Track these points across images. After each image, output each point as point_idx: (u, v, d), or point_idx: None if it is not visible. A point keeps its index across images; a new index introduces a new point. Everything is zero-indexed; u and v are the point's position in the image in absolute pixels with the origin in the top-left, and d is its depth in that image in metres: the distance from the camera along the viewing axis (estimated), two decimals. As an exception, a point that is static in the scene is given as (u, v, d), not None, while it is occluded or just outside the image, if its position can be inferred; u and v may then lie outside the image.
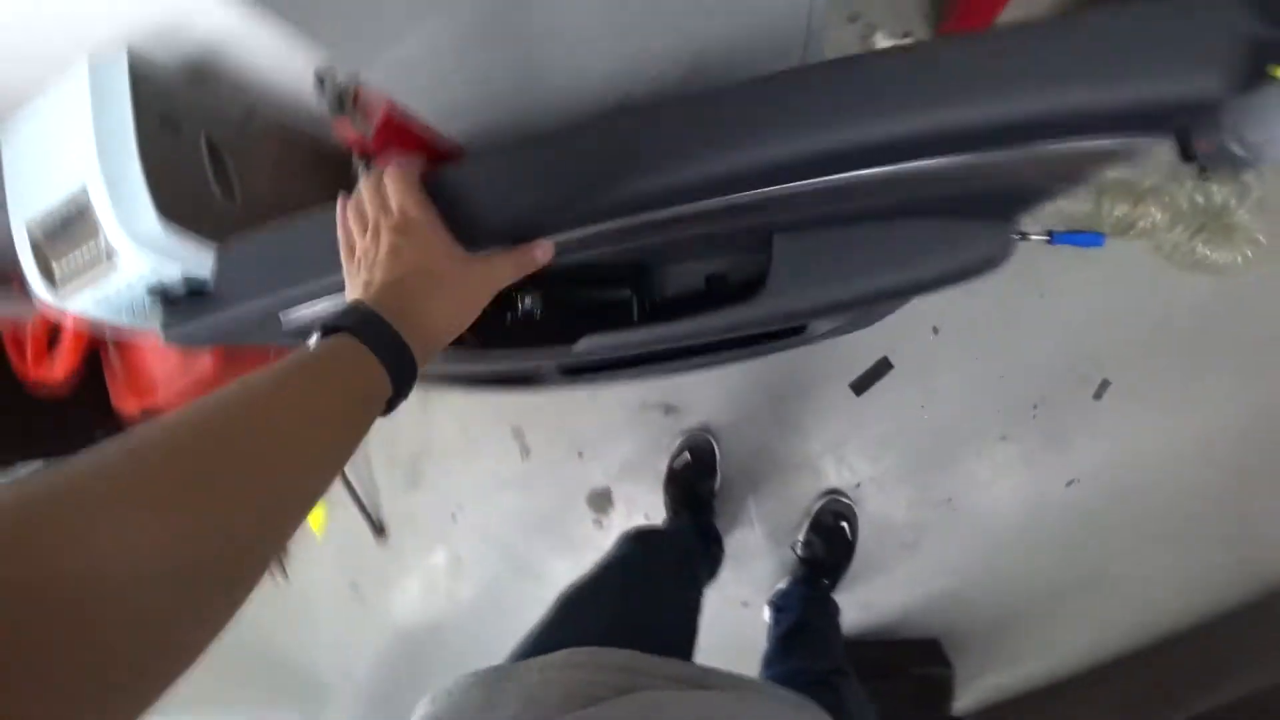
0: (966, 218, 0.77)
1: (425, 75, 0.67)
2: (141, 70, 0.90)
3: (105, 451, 0.31)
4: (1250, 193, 1.38)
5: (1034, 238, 1.46)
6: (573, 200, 0.62)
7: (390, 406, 0.49)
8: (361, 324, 0.47)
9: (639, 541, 1.13)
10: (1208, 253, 1.40)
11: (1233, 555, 1.42)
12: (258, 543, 0.35)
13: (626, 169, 0.60)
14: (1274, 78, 1.19)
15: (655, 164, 0.59)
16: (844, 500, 1.56)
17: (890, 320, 1.38)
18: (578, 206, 0.63)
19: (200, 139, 0.98)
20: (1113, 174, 1.45)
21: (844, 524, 1.54)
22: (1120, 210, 1.41)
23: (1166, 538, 1.46)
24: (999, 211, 0.79)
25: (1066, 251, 1.47)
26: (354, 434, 0.44)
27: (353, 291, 0.55)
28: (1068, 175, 0.67)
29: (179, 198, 0.90)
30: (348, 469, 2.09)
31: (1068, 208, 1.45)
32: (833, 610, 1.43)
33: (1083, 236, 1.44)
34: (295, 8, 0.53)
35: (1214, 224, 1.41)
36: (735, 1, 0.69)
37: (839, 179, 0.60)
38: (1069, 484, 1.53)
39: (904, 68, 0.53)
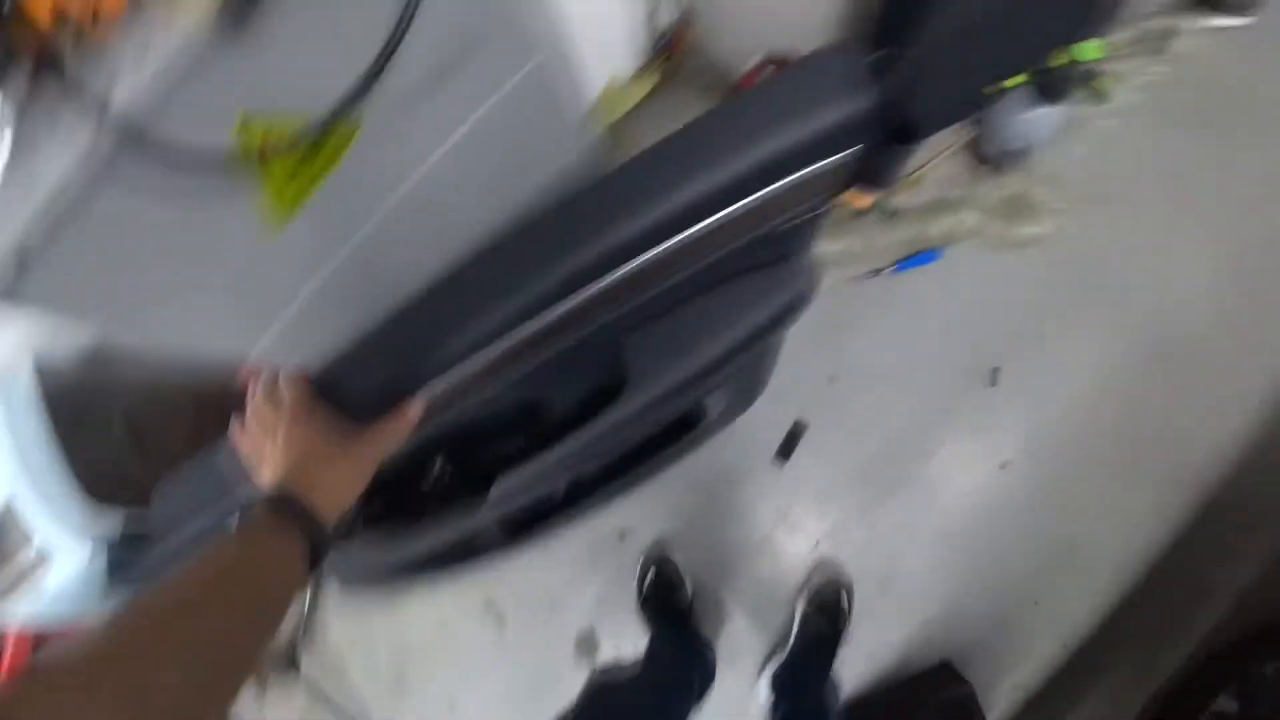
0: (768, 266, 0.90)
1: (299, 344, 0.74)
2: (47, 373, 0.91)
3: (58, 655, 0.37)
4: (1036, 172, 1.56)
5: (885, 272, 1.58)
6: (416, 359, 0.71)
7: (314, 563, 0.56)
8: (275, 502, 0.57)
9: (600, 697, 1.12)
10: (1024, 231, 1.56)
11: (1166, 467, 1.51)
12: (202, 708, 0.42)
13: (457, 319, 0.69)
14: (1003, 89, 1.36)
15: (479, 307, 0.68)
16: (835, 574, 1.58)
17: (787, 386, 1.47)
18: (423, 363, 0.71)
19: (115, 418, 0.99)
20: (924, 196, 1.60)
21: (841, 594, 1.56)
22: (942, 224, 1.56)
23: (1104, 480, 1.53)
24: (789, 249, 0.91)
25: (916, 274, 1.59)
26: (281, 596, 0.52)
27: (264, 481, 0.65)
28: (814, 201, 0.78)
29: (104, 480, 0.92)
30: (330, 690, 2.01)
31: (899, 235, 1.59)
32: (832, 699, 1.40)
33: (921, 257, 1.57)
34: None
35: (1020, 207, 1.56)
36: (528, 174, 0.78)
37: (648, 259, 0.69)
38: (1003, 467, 1.60)
39: (673, 153, 0.65)
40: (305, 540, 0.55)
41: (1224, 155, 1.61)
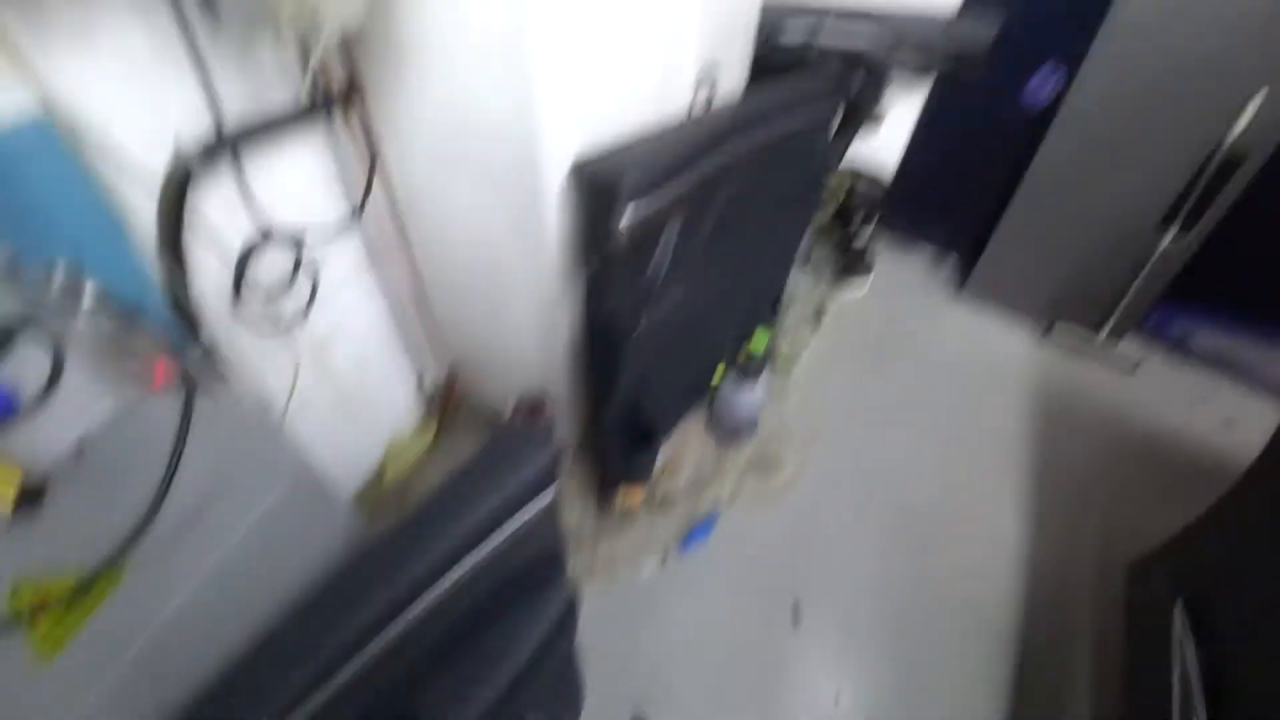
0: (529, 592, 0.99)
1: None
2: None
3: None
4: (766, 431, 1.92)
5: (672, 555, 1.75)
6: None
7: None
8: None
9: None
10: (774, 481, 1.84)
11: (974, 628, 1.65)
12: None
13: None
14: (714, 385, 1.68)
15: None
16: None
17: (615, 687, 1.49)
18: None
19: None
20: (685, 479, 1.86)
21: None
22: (706, 498, 1.80)
23: (935, 663, 1.61)
24: (543, 574, 1.01)
25: (700, 548, 1.78)
26: None
27: None
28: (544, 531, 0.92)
29: None
30: None
31: (673, 519, 1.80)
32: None
33: (698, 532, 1.77)
34: None
35: (764, 463, 1.87)
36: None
37: (399, 628, 0.75)
38: (836, 702, 1.67)
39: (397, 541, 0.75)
40: None
41: (885, 372, 2.13)
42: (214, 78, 0.97)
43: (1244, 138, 1.93)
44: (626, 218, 1.13)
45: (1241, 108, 1.90)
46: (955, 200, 2.49)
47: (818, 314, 2.24)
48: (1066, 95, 2.09)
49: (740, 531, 1.77)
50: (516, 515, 0.91)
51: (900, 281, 2.52)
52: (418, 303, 1.69)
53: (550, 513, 0.97)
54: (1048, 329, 2.40)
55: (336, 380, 1.57)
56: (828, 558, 1.75)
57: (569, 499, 1.75)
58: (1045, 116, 2.15)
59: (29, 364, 0.55)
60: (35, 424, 0.54)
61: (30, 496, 0.51)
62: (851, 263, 2.40)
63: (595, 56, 1.13)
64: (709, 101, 1.53)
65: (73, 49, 0.86)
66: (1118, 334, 2.39)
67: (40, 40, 0.82)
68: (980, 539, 1.80)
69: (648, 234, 1.23)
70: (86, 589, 0.63)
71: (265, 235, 1.12)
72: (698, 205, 1.37)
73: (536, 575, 1.06)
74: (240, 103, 1.08)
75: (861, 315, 2.35)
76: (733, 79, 1.73)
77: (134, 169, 0.94)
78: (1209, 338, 2.42)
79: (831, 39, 2.06)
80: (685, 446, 1.89)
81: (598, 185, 1.15)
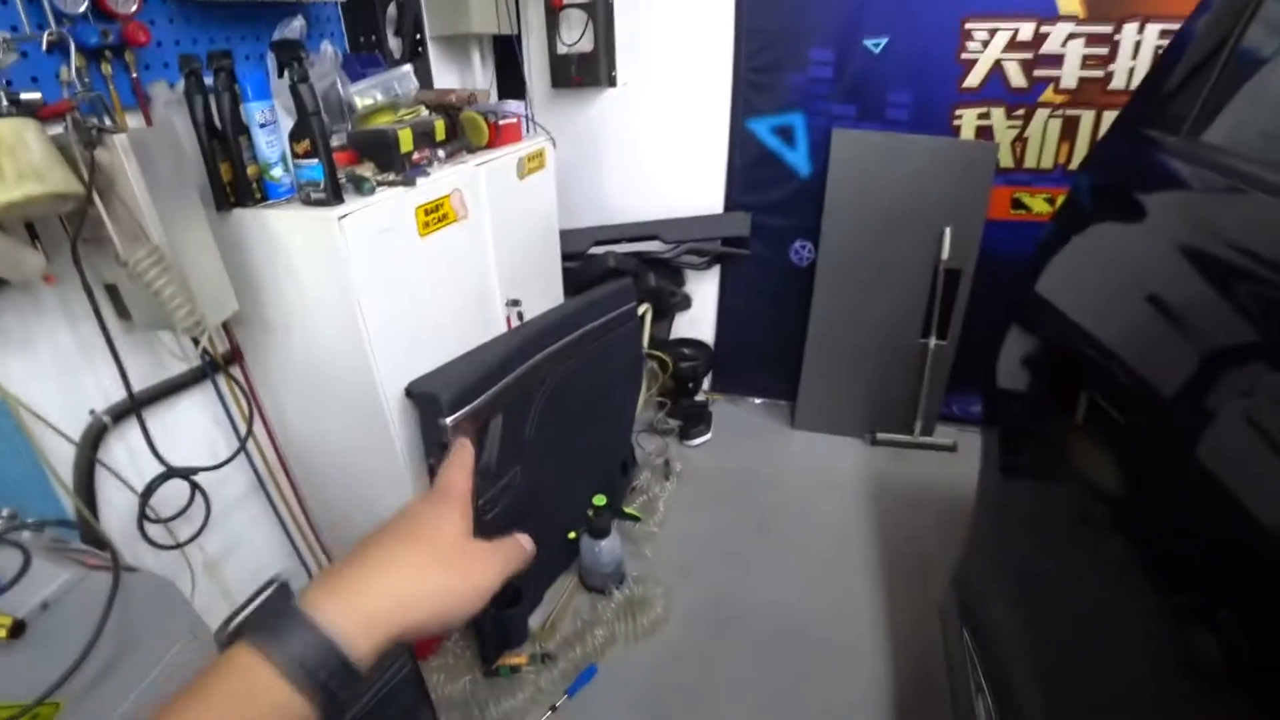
0: None
1: None
2: None
3: None
4: (633, 577, 2.17)
5: (560, 704, 1.91)
6: None
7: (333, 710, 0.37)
8: (265, 622, 0.36)
9: None
10: (647, 620, 2.06)
11: None
12: None
13: None
14: (571, 538, 1.98)
15: None
16: None
17: None
18: None
19: None
20: (564, 632, 2.06)
21: None
22: (587, 645, 2.00)
23: None
24: None
25: (587, 691, 1.95)
26: None
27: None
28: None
29: None
30: None
31: (558, 670, 1.98)
32: None
33: (582, 678, 1.96)
34: None
35: (635, 607, 2.10)
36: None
37: None
38: None
39: None
40: (299, 688, 0.34)
41: (738, 505, 2.47)
42: (124, 360, 1.35)
43: (952, 260, 2.56)
44: (450, 423, 1.52)
45: (940, 240, 2.55)
46: (767, 352, 3.02)
47: (667, 467, 2.62)
48: (818, 259, 2.72)
49: (623, 671, 1.96)
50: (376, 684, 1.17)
51: (739, 428, 2.95)
52: (303, 516, 1.98)
53: (408, 677, 1.23)
54: (872, 439, 2.84)
55: (232, 592, 1.80)
56: (708, 681, 1.94)
57: (456, 671, 1.93)
58: (810, 272, 2.77)
59: (6, 561, 0.87)
60: (14, 592, 0.85)
61: (15, 630, 0.80)
62: (693, 420, 2.83)
63: (407, 314, 1.59)
64: (520, 317, 2.01)
65: (16, 350, 1.25)
66: (929, 428, 2.85)
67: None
68: (847, 627, 2.04)
69: (473, 433, 1.62)
70: (32, 713, 0.87)
71: (167, 473, 1.45)
72: (517, 401, 1.78)
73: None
74: (143, 374, 1.47)
75: (709, 462, 2.74)
76: (548, 294, 2.25)
77: (59, 430, 1.28)
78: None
79: (625, 254, 2.67)
80: (562, 602, 2.13)
81: (424, 402, 1.55)
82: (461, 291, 1.79)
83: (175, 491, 1.51)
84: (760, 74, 2.63)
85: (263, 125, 1.33)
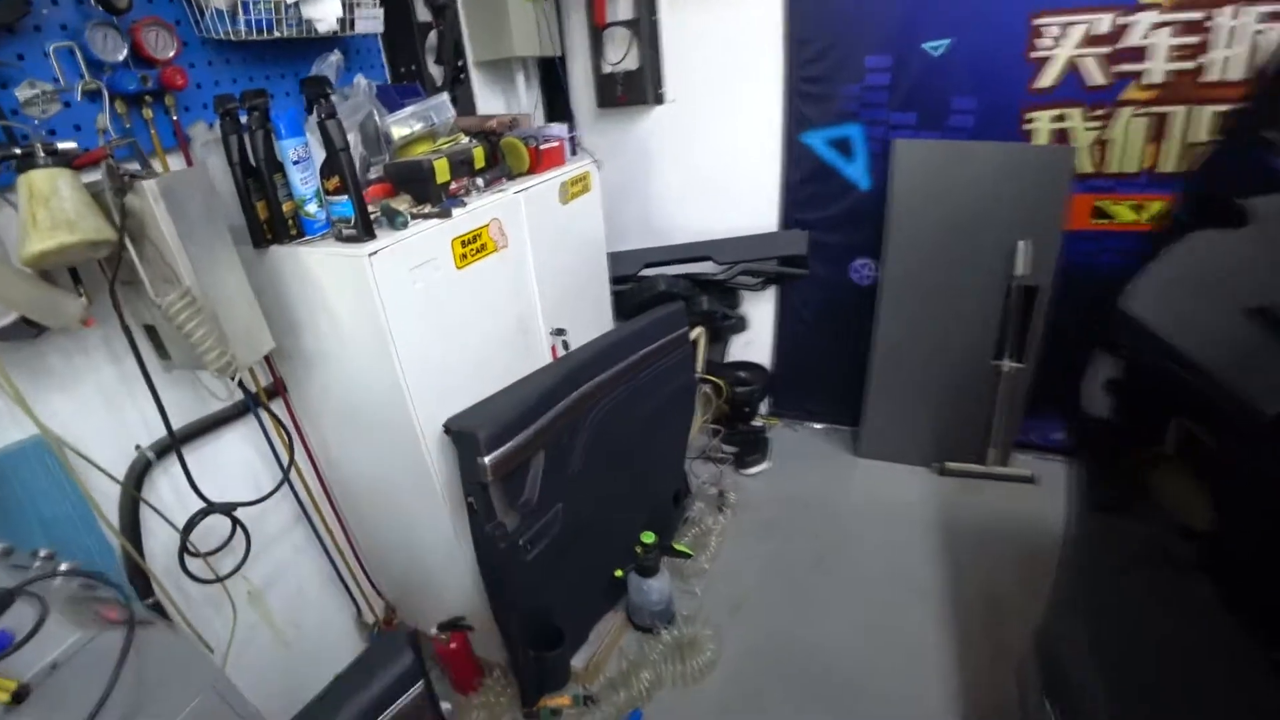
0: None
1: None
2: None
3: None
4: (683, 616, 2.07)
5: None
6: None
7: None
8: None
9: None
10: (698, 662, 1.96)
11: None
12: None
13: None
14: (618, 576, 1.90)
15: None
16: None
17: None
18: None
19: None
20: (609, 674, 1.98)
21: None
22: (632, 689, 1.91)
23: None
24: None
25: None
26: None
27: None
28: None
29: None
30: None
31: (600, 715, 1.89)
32: None
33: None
34: None
35: (686, 647, 2.00)
36: None
37: None
38: None
39: None
40: None
41: (796, 539, 2.33)
42: (164, 399, 1.36)
43: (1028, 275, 2.37)
44: (489, 462, 1.47)
45: (1014, 254, 2.37)
46: (829, 375, 2.87)
47: (722, 498, 2.50)
48: (881, 277, 2.57)
49: (669, 717, 1.86)
50: (389, 708, 1.13)
51: (799, 455, 2.81)
52: (348, 546, 1.97)
53: (420, 702, 1.18)
54: (941, 469, 2.65)
55: (275, 622, 1.80)
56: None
57: (497, 710, 1.87)
58: (874, 292, 2.62)
59: (23, 616, 0.85)
60: (23, 651, 0.82)
61: (19, 696, 0.78)
62: (749, 447, 2.71)
63: (445, 348, 1.56)
64: (565, 346, 1.96)
65: (62, 388, 1.27)
66: (1004, 457, 2.63)
67: (37, 383, 1.22)
68: (910, 678, 1.88)
69: (514, 470, 1.57)
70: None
71: (206, 509, 1.45)
72: (562, 436, 1.72)
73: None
74: (186, 409, 1.48)
75: (766, 491, 2.61)
76: (596, 321, 2.20)
77: (103, 469, 1.30)
78: (1093, 445, 2.66)
79: (676, 277, 2.59)
80: (607, 642, 2.05)
81: (461, 440, 1.50)
82: (502, 323, 1.75)
83: (218, 525, 1.52)
84: (813, 84, 2.52)
85: (296, 162, 1.33)
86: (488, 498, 1.51)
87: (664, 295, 2.46)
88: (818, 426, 3.02)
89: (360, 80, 1.53)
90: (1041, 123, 2.33)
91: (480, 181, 1.68)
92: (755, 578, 2.24)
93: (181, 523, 1.45)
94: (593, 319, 2.21)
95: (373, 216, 1.39)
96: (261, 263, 1.43)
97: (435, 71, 2.08)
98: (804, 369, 2.93)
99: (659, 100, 2.60)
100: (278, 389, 1.67)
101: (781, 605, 2.14)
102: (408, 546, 1.88)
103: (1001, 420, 2.56)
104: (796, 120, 2.57)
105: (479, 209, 1.60)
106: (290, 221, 1.39)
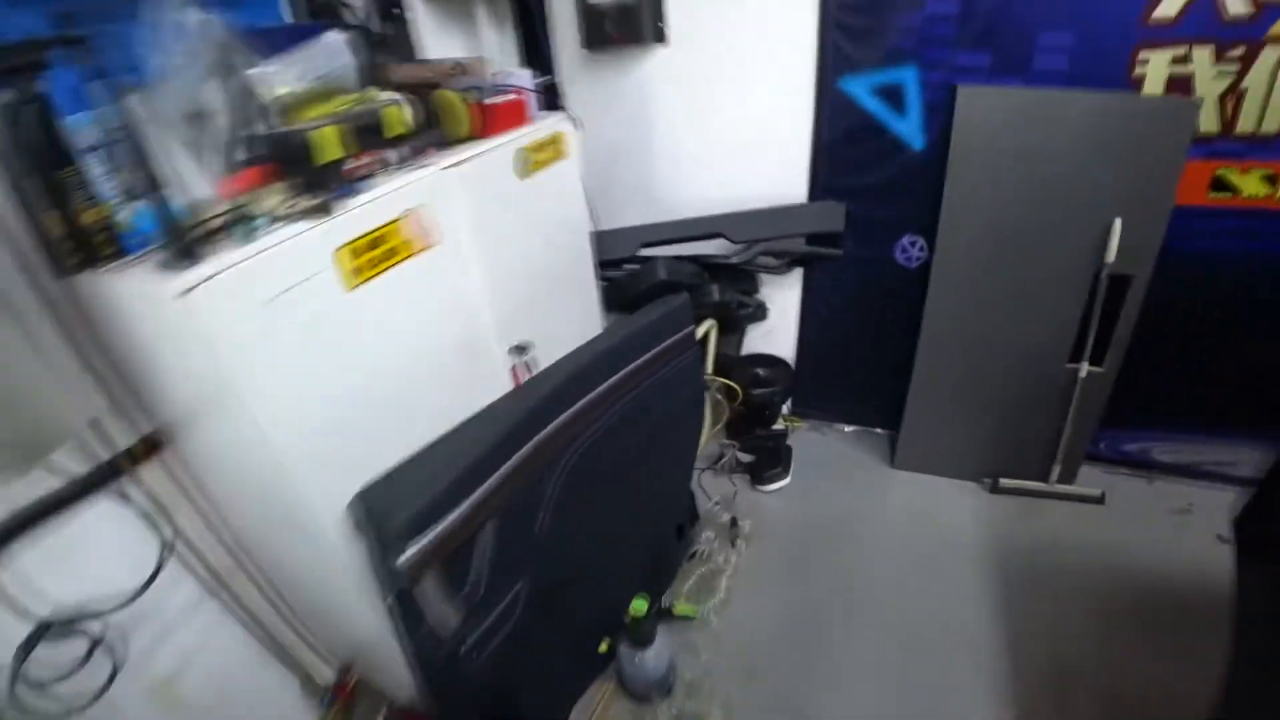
0: None
1: None
2: None
3: None
4: (686, 684, 1.72)
5: None
6: None
7: None
8: None
9: None
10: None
11: None
12: None
13: None
14: (603, 652, 1.50)
15: None
16: None
17: None
18: None
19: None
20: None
21: None
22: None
23: None
24: None
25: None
26: None
27: None
28: None
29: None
30: None
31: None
32: None
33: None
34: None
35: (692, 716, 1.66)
36: None
37: None
38: None
39: None
40: None
41: (821, 573, 2.01)
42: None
43: (1120, 262, 1.89)
44: (407, 560, 1.07)
45: (1106, 235, 1.88)
46: (863, 372, 2.44)
47: (734, 526, 2.12)
48: (933, 259, 2.09)
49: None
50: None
51: (825, 466, 2.40)
52: (279, 611, 1.62)
53: None
54: (994, 485, 2.24)
55: (193, 710, 1.47)
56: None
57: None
58: (922, 276, 2.14)
59: None
60: None
61: None
62: (767, 458, 2.30)
63: (342, 396, 1.14)
64: (530, 368, 1.53)
65: None
66: (1070, 473, 2.22)
67: None
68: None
69: (452, 553, 1.17)
70: None
71: (40, 629, 1.08)
72: (523, 492, 1.31)
73: None
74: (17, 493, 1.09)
75: (786, 513, 2.22)
76: (577, 324, 1.76)
77: None
78: (1171, 449, 2.24)
79: (679, 261, 2.12)
80: (595, 716, 1.71)
81: (368, 529, 1.07)
82: (435, 349, 1.33)
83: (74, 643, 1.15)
84: (857, 15, 1.97)
85: (92, 149, 0.88)
86: (413, 602, 1.12)
87: (664, 286, 2.01)
88: (848, 429, 2.60)
89: (192, 17, 1.02)
90: (1156, 66, 1.80)
91: (394, 155, 1.22)
92: (772, 633, 1.88)
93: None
94: (572, 322, 1.78)
95: (220, 224, 0.94)
96: (77, 295, 1.00)
97: (360, 4, 1.58)
98: (833, 363, 2.49)
99: (660, 39, 2.07)
100: (150, 450, 1.26)
101: (803, 666, 1.79)
102: (346, 609, 1.51)
103: (1071, 432, 2.13)
104: (834, 62, 2.04)
105: (384, 197, 1.15)
106: (101, 236, 0.95)
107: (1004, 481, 2.24)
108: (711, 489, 2.34)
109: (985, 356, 2.15)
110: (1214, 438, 2.19)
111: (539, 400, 1.37)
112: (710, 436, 2.41)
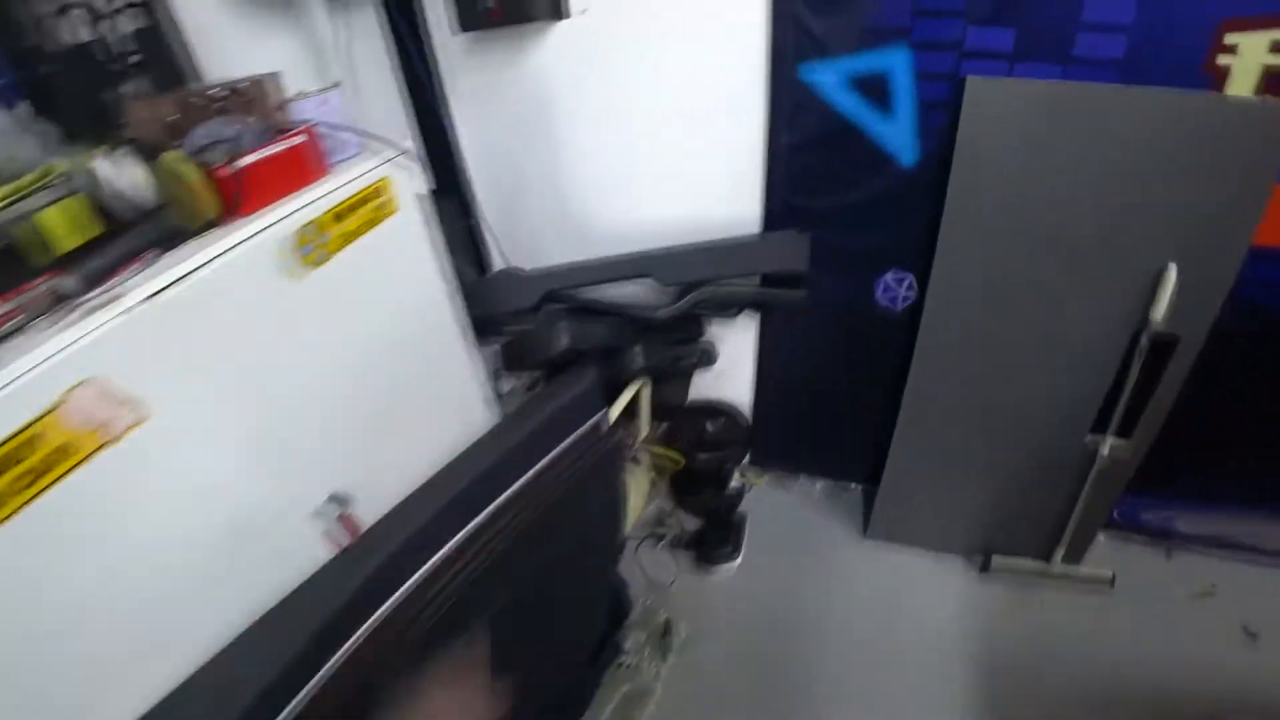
0: None
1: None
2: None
3: None
4: None
5: None
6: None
7: None
8: None
9: None
10: None
11: None
12: None
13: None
14: None
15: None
16: None
17: None
18: None
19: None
20: None
21: None
22: None
23: None
24: None
25: None
26: None
27: None
28: None
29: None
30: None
31: None
32: None
33: None
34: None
35: None
36: None
37: None
38: None
39: None
40: None
41: (765, 700, 1.66)
42: None
43: (1170, 320, 1.43)
44: None
45: (1156, 284, 1.41)
46: (835, 418, 1.99)
47: (666, 635, 1.74)
48: (925, 303, 1.61)
49: None
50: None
51: (787, 536, 2.00)
52: None
53: None
54: (984, 564, 1.86)
55: None
56: None
57: None
58: (911, 319, 1.67)
59: None
60: None
61: None
62: (716, 532, 1.90)
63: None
64: (350, 530, 1.10)
65: None
66: (1077, 553, 1.84)
67: None
68: None
69: None
70: None
71: None
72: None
73: None
74: None
75: (736, 604, 1.85)
76: (458, 416, 1.31)
77: None
78: (1196, 520, 1.86)
79: (588, 321, 1.62)
80: None
81: None
82: (164, 563, 0.88)
83: None
84: (829, -24, 1.39)
85: None
86: None
87: (568, 356, 1.53)
88: (818, 485, 2.18)
89: None
90: (1249, 54, 1.27)
91: (69, 284, 0.75)
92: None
93: None
94: (436, 422, 1.33)
95: None
96: None
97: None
98: (799, 407, 2.05)
99: (559, 13, 1.47)
100: None
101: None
102: None
103: (1083, 510, 1.73)
104: (794, 42, 1.46)
105: (27, 376, 0.68)
106: None
107: (997, 560, 1.86)
108: (649, 565, 1.96)
109: (984, 420, 1.72)
110: (1250, 510, 1.79)
111: (373, 568, 0.98)
112: (644, 509, 2.00)
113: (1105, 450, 1.63)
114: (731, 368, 1.98)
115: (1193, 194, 1.35)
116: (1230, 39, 1.26)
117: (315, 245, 1.05)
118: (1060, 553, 1.82)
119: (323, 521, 1.11)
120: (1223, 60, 1.28)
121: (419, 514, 1.10)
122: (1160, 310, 1.43)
